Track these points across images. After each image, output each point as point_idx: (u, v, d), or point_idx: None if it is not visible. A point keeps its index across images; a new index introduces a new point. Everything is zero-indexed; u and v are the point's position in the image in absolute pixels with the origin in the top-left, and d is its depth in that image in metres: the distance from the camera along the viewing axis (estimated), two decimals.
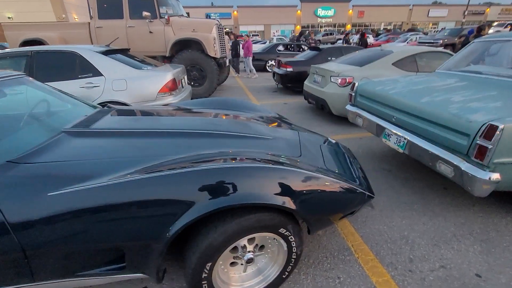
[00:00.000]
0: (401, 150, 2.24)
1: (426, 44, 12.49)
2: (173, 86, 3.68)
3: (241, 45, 9.59)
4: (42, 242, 1.03)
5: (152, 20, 5.79)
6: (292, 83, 6.29)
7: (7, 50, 3.51)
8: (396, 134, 2.27)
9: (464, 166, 1.66)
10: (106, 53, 3.56)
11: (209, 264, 1.17)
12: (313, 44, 11.55)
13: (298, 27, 37.34)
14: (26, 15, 24.85)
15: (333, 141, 2.06)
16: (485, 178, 1.55)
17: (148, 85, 3.51)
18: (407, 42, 15.90)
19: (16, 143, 1.30)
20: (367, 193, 1.48)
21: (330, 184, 1.33)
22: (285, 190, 1.20)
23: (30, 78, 1.97)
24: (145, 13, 5.57)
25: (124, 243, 1.11)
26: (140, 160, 1.26)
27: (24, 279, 1.10)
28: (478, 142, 1.57)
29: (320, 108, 4.49)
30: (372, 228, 1.95)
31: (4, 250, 1.01)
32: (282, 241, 1.32)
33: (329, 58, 6.11)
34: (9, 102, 1.59)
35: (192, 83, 6.13)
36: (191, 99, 6.14)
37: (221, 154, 1.34)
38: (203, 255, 1.14)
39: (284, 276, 1.41)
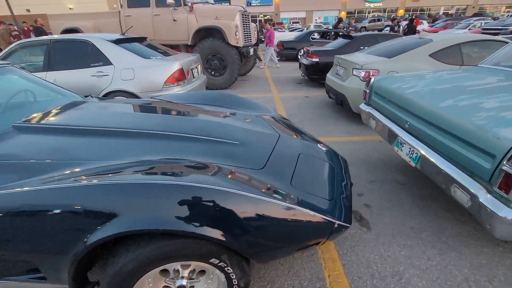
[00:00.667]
0: (413, 164, 1.83)
1: (491, 32, 10.63)
2: (180, 76, 3.59)
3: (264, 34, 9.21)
4: None
5: (176, 7, 5.75)
6: (317, 74, 5.81)
7: (33, 38, 3.74)
8: (408, 144, 1.85)
9: (483, 197, 1.24)
10: (117, 42, 3.58)
11: None
12: (352, 32, 10.61)
13: (343, 14, 34.92)
14: (84, 6, 27.18)
15: (324, 149, 1.74)
16: (509, 217, 1.13)
17: (154, 75, 3.46)
18: (468, 29, 13.78)
19: None
20: (337, 222, 1.18)
21: (277, 210, 1.07)
22: (212, 216, 0.98)
23: (15, 68, 1.99)
24: (169, 1, 5.54)
25: (33, 254, 1.01)
26: (67, 164, 1.14)
27: None
28: (504, 168, 1.15)
29: (340, 104, 4.03)
30: (360, 257, 1.63)
31: None
32: (217, 271, 1.11)
33: (362, 48, 5.47)
34: None
35: (213, 72, 6.02)
36: (208, 89, 6.07)
37: (144, 163, 1.15)
38: (111, 282, 0.99)
39: None
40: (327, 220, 1.15)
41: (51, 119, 1.50)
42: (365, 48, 5.16)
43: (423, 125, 1.73)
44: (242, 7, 6.20)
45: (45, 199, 0.95)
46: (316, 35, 10.26)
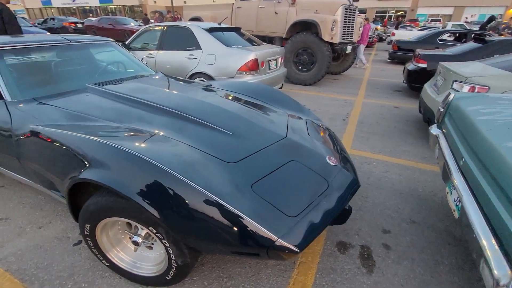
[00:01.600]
0: (456, 215, 1.37)
1: None
2: (253, 66, 3.76)
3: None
4: (21, 153, 1.50)
5: (280, 0, 5.91)
6: (420, 83, 4.81)
7: (152, 24, 4.68)
8: (457, 187, 1.38)
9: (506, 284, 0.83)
10: (210, 30, 4.07)
11: (88, 225, 1.28)
12: (509, 35, 8.07)
13: (511, 11, 26.52)
14: None
15: (331, 164, 1.53)
16: None
17: (231, 62, 3.77)
18: None
19: (52, 87, 1.85)
20: (278, 240, 1.06)
21: (209, 203, 1.06)
22: (149, 188, 1.08)
23: (115, 44, 2.62)
24: None
25: (52, 172, 1.40)
26: (91, 119, 1.49)
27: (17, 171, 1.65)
28: None
29: (426, 121, 3.26)
30: None
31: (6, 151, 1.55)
32: (158, 241, 1.21)
33: (496, 56, 4.13)
34: (78, 59, 2.22)
35: (300, 67, 5.94)
36: (292, 83, 6.03)
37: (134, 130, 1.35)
38: (82, 215, 1.26)
39: (168, 278, 1.32)
40: (265, 233, 1.05)
41: (111, 85, 1.94)
42: (496, 56, 3.87)
43: (476, 165, 1.25)
44: (349, 0, 5.74)
45: (65, 139, 1.29)
46: (447, 36, 8.36)
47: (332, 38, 5.47)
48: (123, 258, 1.40)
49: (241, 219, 1.05)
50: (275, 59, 4.31)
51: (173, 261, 1.24)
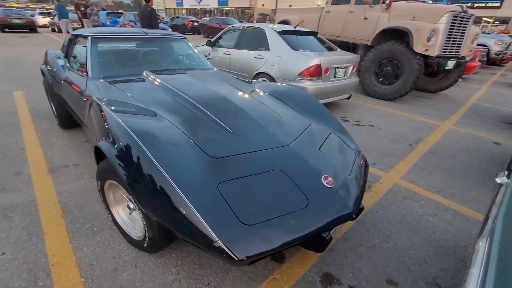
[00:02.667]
0: None
1: None
2: (314, 72, 3.64)
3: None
4: None
5: (373, 5, 5.43)
6: None
7: (233, 25, 5.03)
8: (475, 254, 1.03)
9: None
10: (282, 32, 4.13)
11: (99, 182, 1.56)
12: None
13: None
14: (300, 2, 28.94)
15: (326, 185, 1.38)
16: None
17: (293, 66, 3.75)
18: None
19: (120, 70, 2.31)
20: (219, 241, 1.05)
21: (167, 187, 1.14)
22: (123, 155, 1.26)
23: (186, 40, 3.00)
24: None
25: (91, 133, 1.78)
26: (129, 99, 1.81)
27: (83, 123, 2.14)
28: None
29: None
30: None
31: (80, 107, 2.05)
32: (138, 210, 1.38)
33: None
34: (150, 49, 2.66)
35: (380, 79, 5.31)
36: (368, 96, 5.44)
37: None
38: (96, 173, 1.56)
39: (144, 246, 1.48)
40: (207, 232, 1.07)
41: (160, 74, 2.27)
42: None
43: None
44: (461, 6, 4.75)
45: (99, 109, 1.63)
46: None
47: (426, 50, 4.67)
48: (122, 217, 1.65)
49: (189, 210, 1.10)
50: (345, 67, 4.03)
51: (146, 231, 1.39)
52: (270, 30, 4.18)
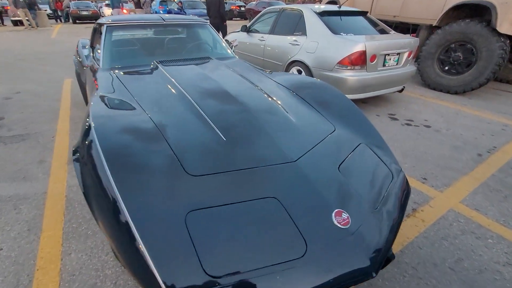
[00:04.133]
0: None
1: None
2: (357, 60, 3.06)
3: None
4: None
5: None
6: None
7: (273, 7, 4.56)
8: None
9: None
10: (323, 14, 3.57)
11: None
12: None
13: None
14: None
15: (338, 225, 1.01)
16: None
17: (331, 53, 3.22)
18: None
19: (130, 60, 2.15)
20: (161, 282, 0.79)
21: (118, 211, 0.91)
22: (84, 169, 1.09)
23: (209, 25, 2.72)
24: None
25: None
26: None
27: None
28: None
29: None
30: None
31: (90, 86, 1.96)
32: None
33: None
34: (167, 37, 2.46)
35: (447, 67, 4.35)
36: (429, 87, 4.53)
37: None
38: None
39: None
40: (155, 281, 0.81)
41: (169, 65, 2.05)
42: None
43: None
44: None
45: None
46: None
47: None
48: None
49: (139, 248, 0.85)
50: (398, 54, 3.33)
51: None
52: (309, 11, 3.65)
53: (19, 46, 7.99)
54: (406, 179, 1.34)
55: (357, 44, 3.02)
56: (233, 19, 17.77)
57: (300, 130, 1.42)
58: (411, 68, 3.61)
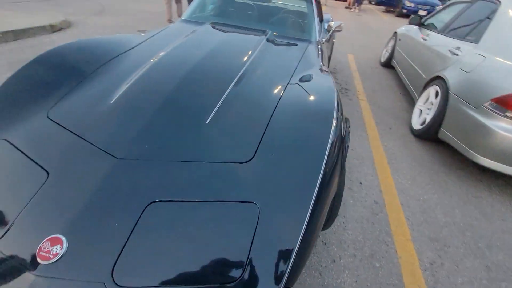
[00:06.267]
0: None
1: None
2: None
3: None
4: None
5: None
6: None
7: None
8: None
9: None
10: None
11: None
12: None
13: None
14: None
15: None
16: None
17: (492, 80, 1.81)
18: None
19: (208, 18, 2.19)
20: None
21: None
22: None
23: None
24: None
25: None
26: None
27: None
28: None
29: None
30: None
31: None
32: None
33: None
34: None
35: None
36: None
37: None
38: None
39: None
40: None
41: (215, 28, 1.91)
42: None
43: None
44: None
45: None
46: None
47: None
48: None
49: None
50: None
51: None
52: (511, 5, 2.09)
53: None
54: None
55: None
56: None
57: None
58: None
